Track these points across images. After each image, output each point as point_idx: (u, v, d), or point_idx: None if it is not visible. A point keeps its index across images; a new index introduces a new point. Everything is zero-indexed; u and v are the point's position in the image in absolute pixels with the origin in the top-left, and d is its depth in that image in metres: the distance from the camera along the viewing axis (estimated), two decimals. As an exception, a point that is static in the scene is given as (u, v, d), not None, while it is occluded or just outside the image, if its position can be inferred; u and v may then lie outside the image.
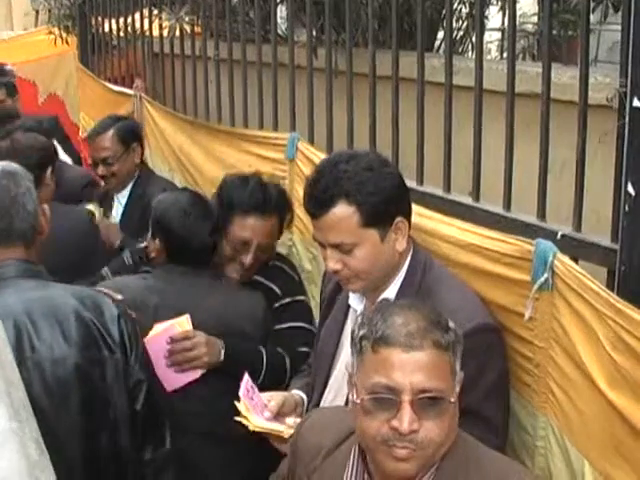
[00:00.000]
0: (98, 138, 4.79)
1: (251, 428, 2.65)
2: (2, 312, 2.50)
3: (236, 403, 2.75)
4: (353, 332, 2.10)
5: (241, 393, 2.74)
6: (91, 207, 4.63)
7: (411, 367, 1.96)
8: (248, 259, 3.60)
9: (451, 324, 2.07)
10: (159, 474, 2.83)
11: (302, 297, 3.78)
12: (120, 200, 4.81)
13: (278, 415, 2.80)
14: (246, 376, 2.84)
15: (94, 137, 4.82)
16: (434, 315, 2.06)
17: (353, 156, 2.68)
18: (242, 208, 3.59)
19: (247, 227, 3.58)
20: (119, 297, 3.00)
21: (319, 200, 2.61)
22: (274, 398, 2.83)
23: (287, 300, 3.72)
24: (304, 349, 3.56)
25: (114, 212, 4.84)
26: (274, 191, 3.69)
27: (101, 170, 4.77)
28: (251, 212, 3.59)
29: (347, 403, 2.72)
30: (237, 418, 2.71)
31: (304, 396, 2.98)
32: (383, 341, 1.98)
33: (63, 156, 5.72)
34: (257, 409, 2.74)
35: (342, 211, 2.58)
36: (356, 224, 2.59)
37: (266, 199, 3.62)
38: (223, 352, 3.41)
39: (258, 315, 3.57)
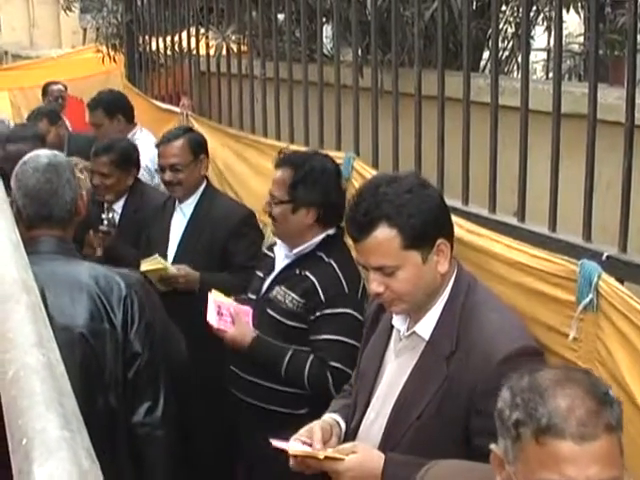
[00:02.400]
0: (169, 145, 4.82)
1: (290, 452, 2.63)
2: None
3: (272, 441, 2.74)
4: (502, 411, 1.85)
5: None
6: (155, 263, 4.53)
7: (586, 460, 1.73)
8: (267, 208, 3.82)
9: (611, 392, 1.83)
10: (150, 436, 3.18)
11: (347, 310, 3.67)
12: (183, 211, 4.84)
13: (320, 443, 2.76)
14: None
15: (165, 143, 4.85)
16: (596, 387, 1.81)
17: (394, 179, 2.68)
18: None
19: None
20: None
21: (360, 224, 2.62)
22: (312, 433, 2.78)
23: (328, 311, 3.66)
24: (336, 364, 3.56)
25: (173, 221, 4.88)
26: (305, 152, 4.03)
27: (168, 176, 4.79)
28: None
29: (388, 424, 2.73)
30: (275, 443, 2.70)
31: (339, 418, 2.96)
32: (550, 433, 1.74)
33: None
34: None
35: (383, 234, 2.59)
36: (397, 247, 2.59)
37: (287, 155, 3.92)
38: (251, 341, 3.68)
39: None
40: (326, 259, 3.75)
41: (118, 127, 6.30)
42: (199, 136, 5.07)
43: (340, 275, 3.71)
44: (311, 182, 3.72)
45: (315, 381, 3.61)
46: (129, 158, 5.26)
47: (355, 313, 3.62)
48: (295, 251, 3.78)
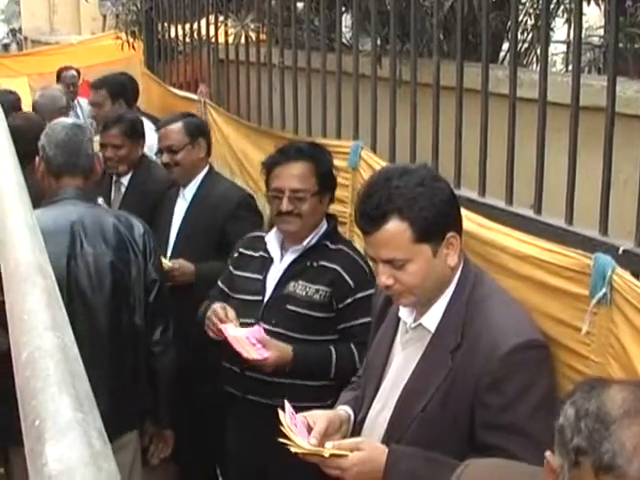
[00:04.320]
0: (167, 128, 4.92)
1: (293, 450, 2.60)
2: (65, 217, 3.69)
3: (281, 427, 2.70)
4: (564, 429, 1.80)
5: (285, 421, 2.72)
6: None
7: None
8: (284, 205, 3.74)
9: None
10: (164, 352, 3.90)
11: (372, 290, 3.68)
12: (185, 196, 4.88)
13: (323, 437, 2.73)
14: (287, 403, 2.82)
15: (162, 127, 4.97)
16: None
17: (405, 171, 2.66)
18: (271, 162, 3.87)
19: (277, 176, 3.80)
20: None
21: (371, 216, 2.60)
22: (318, 421, 2.77)
23: (359, 295, 3.73)
24: None
25: (176, 207, 4.92)
26: (305, 144, 3.96)
27: (165, 158, 4.88)
28: (280, 162, 3.81)
29: (394, 415, 2.73)
30: (282, 440, 2.66)
31: (350, 411, 2.96)
32: (611, 472, 1.67)
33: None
34: (302, 434, 2.73)
35: (394, 227, 2.58)
36: (408, 240, 2.58)
37: (292, 148, 3.89)
38: (292, 356, 3.66)
39: None
40: (333, 246, 3.84)
41: (118, 110, 6.41)
42: (198, 120, 5.18)
43: (357, 259, 3.81)
44: (330, 169, 3.84)
45: None
46: (138, 129, 5.43)
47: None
48: (305, 243, 3.81)
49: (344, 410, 2.96)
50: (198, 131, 4.95)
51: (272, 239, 3.91)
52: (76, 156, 3.80)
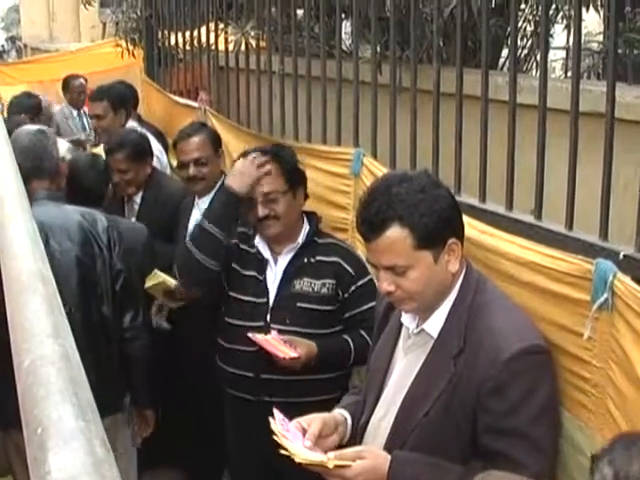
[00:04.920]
0: (189, 140, 4.82)
1: (297, 460, 2.59)
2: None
3: (276, 438, 2.69)
4: (597, 470, 1.71)
5: (276, 429, 2.71)
6: (155, 278, 4.64)
7: None
8: (259, 211, 3.82)
9: None
10: (135, 337, 4.15)
11: (370, 276, 3.87)
12: (200, 207, 4.81)
13: (318, 439, 2.75)
14: (276, 411, 2.81)
15: (185, 139, 4.85)
16: None
17: (405, 178, 2.66)
18: None
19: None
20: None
21: (372, 224, 2.60)
22: (312, 423, 2.78)
23: (360, 282, 3.86)
24: None
25: (192, 219, 4.84)
26: (267, 146, 4.11)
27: (193, 171, 4.78)
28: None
29: (396, 421, 2.73)
30: (283, 451, 2.64)
31: (346, 414, 2.96)
32: None
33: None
34: (296, 439, 2.72)
35: (395, 234, 2.57)
36: (409, 247, 2.58)
37: (263, 150, 3.99)
38: (317, 351, 3.73)
39: None
40: (322, 240, 3.96)
41: (120, 121, 6.51)
42: (214, 131, 5.14)
43: (348, 247, 3.98)
44: (295, 165, 3.94)
45: None
46: (143, 149, 5.34)
47: (372, 277, 3.84)
48: (299, 240, 3.91)
49: (340, 413, 2.96)
50: (218, 142, 4.95)
51: (260, 241, 3.98)
52: (40, 160, 4.14)
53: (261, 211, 3.82)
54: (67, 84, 9.38)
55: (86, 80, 9.34)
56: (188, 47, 6.96)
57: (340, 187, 4.18)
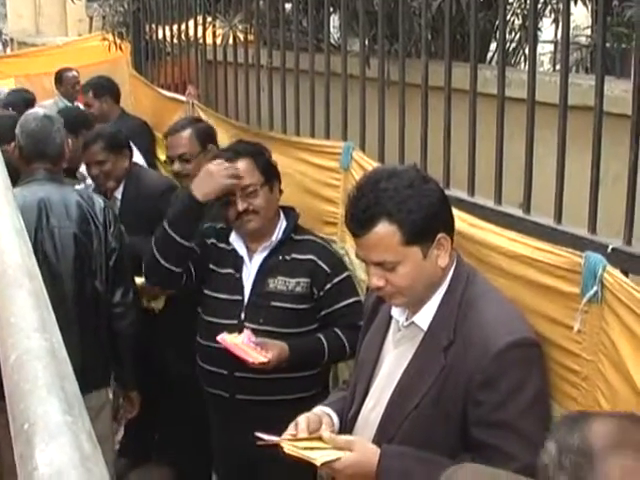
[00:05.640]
0: (176, 135, 4.83)
1: (286, 451, 2.59)
2: (33, 195, 4.24)
3: (261, 435, 2.70)
4: (546, 468, 1.71)
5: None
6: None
7: None
8: (239, 204, 3.81)
9: None
10: (125, 313, 4.36)
11: (347, 272, 3.90)
12: None
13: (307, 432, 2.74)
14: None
15: (172, 134, 4.86)
16: None
17: (394, 173, 2.65)
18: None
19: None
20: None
21: (360, 220, 2.60)
22: (297, 423, 2.76)
23: (337, 280, 3.84)
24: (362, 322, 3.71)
25: None
26: (241, 145, 4.10)
27: (177, 167, 4.79)
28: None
29: (386, 413, 2.73)
30: (267, 438, 2.66)
31: (329, 410, 2.95)
32: None
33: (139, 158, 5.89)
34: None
35: (384, 230, 2.57)
36: (398, 243, 2.58)
37: (230, 151, 4.00)
38: (289, 352, 3.68)
39: None
40: (299, 237, 3.94)
41: (107, 106, 6.98)
42: (207, 126, 5.09)
43: (326, 245, 3.95)
44: (269, 160, 3.96)
45: (354, 345, 3.72)
46: (118, 141, 5.33)
47: (350, 273, 3.89)
48: (273, 238, 3.90)
49: (319, 409, 2.95)
50: (208, 137, 4.90)
51: (236, 239, 3.97)
52: (44, 144, 4.36)
53: (240, 205, 3.81)
54: (60, 77, 9.34)
55: (78, 73, 9.32)
56: (176, 41, 6.94)
57: (329, 181, 4.18)
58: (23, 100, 7.87)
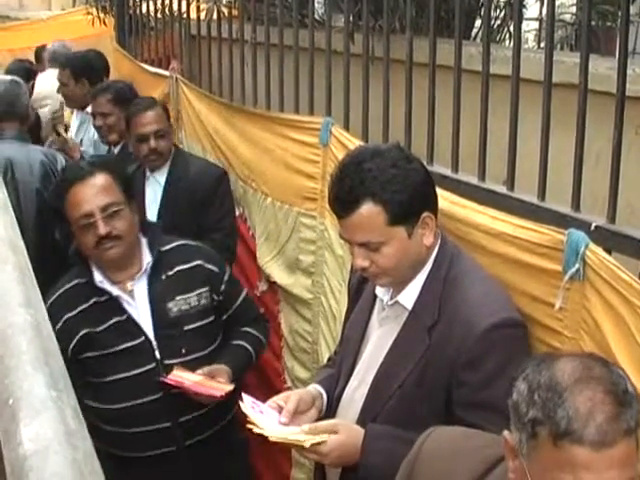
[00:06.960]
0: (146, 113, 4.79)
1: (271, 439, 2.57)
2: (1, 153, 4.75)
3: (244, 410, 2.66)
4: (518, 405, 1.82)
5: (247, 411, 2.66)
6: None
7: (603, 466, 1.70)
8: (100, 228, 3.38)
9: (630, 387, 1.78)
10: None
11: (226, 266, 3.83)
12: (158, 180, 4.80)
13: (294, 415, 2.73)
14: (244, 395, 2.72)
15: (141, 112, 4.80)
16: (616, 385, 1.76)
17: (377, 153, 2.64)
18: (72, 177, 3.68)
19: (82, 200, 3.47)
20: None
21: (344, 201, 2.59)
22: (288, 400, 2.76)
23: (225, 277, 3.71)
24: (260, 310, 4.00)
25: (148, 191, 4.84)
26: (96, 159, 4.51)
27: (154, 144, 4.73)
28: (80, 178, 3.47)
29: (370, 392, 2.74)
30: (254, 429, 2.60)
31: (321, 389, 2.96)
32: (568, 438, 1.70)
33: None
34: (271, 418, 2.69)
35: (368, 211, 2.56)
36: (383, 223, 2.57)
37: (86, 165, 3.70)
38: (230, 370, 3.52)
39: None
40: (170, 246, 3.62)
41: (82, 90, 6.51)
42: (164, 105, 5.11)
43: (199, 244, 3.76)
44: (128, 174, 3.91)
45: (267, 335, 3.92)
46: (126, 96, 5.36)
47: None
48: (144, 264, 3.53)
49: (314, 388, 2.96)
50: (168, 116, 4.90)
51: (103, 279, 3.50)
52: (12, 106, 4.97)
53: (102, 229, 3.34)
54: (39, 55, 9.30)
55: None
56: (160, 15, 6.91)
57: (309, 156, 4.17)
58: (24, 70, 7.83)
